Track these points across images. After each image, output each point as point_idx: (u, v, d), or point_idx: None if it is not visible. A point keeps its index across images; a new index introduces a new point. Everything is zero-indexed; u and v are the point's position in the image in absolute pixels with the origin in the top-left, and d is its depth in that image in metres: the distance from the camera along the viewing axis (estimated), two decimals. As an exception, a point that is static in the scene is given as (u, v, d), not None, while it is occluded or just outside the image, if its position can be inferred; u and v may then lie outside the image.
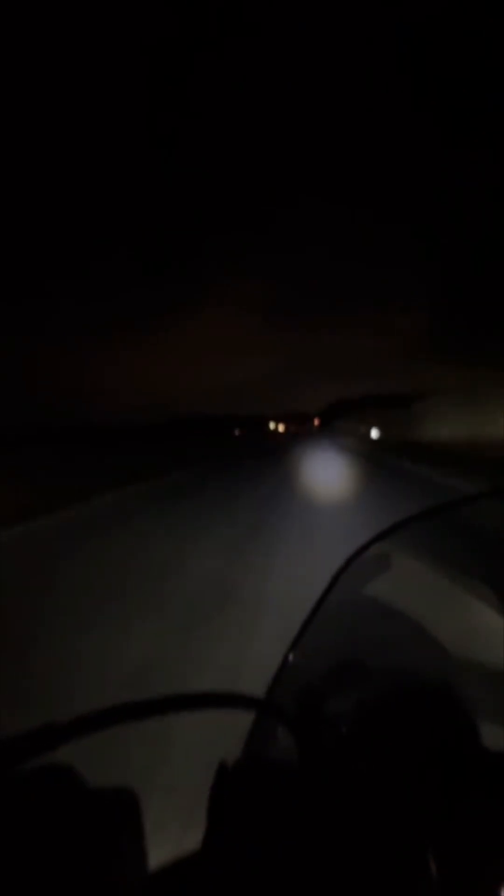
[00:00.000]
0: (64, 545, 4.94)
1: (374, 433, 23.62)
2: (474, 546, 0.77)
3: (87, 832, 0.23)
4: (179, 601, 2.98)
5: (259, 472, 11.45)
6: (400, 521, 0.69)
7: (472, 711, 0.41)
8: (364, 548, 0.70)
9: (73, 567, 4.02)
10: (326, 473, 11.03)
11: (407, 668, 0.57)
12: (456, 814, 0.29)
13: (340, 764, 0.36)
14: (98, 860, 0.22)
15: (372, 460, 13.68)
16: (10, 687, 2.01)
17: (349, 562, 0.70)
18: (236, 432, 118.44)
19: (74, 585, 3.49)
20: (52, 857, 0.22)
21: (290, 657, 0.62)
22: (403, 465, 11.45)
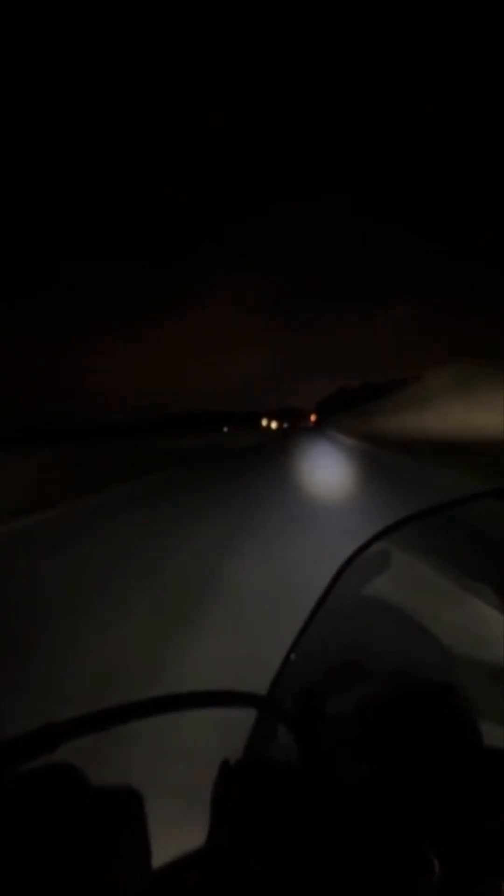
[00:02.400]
0: (57, 541, 4.94)
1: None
2: (474, 546, 0.77)
3: (87, 832, 0.23)
4: (178, 599, 2.98)
5: (252, 468, 11.43)
6: (400, 520, 0.69)
7: (472, 711, 0.41)
8: (364, 547, 0.70)
9: (67, 563, 4.02)
10: (324, 470, 11.00)
11: (407, 667, 0.57)
12: (456, 814, 0.29)
13: (341, 764, 0.36)
14: (98, 860, 0.22)
15: (370, 456, 13.66)
16: (9, 686, 2.02)
17: (349, 561, 0.70)
18: (225, 430, 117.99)
19: (68, 582, 3.49)
20: (53, 857, 0.22)
21: (291, 657, 0.62)
22: (402, 462, 11.42)
